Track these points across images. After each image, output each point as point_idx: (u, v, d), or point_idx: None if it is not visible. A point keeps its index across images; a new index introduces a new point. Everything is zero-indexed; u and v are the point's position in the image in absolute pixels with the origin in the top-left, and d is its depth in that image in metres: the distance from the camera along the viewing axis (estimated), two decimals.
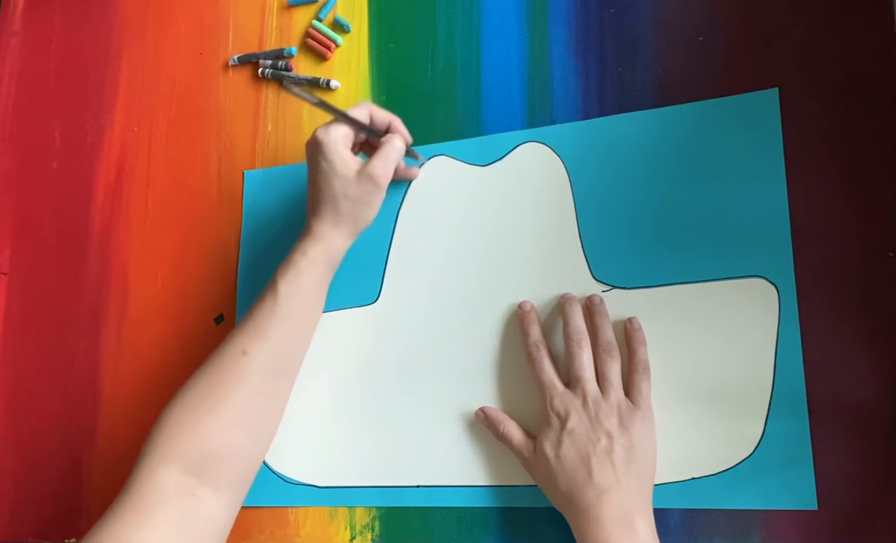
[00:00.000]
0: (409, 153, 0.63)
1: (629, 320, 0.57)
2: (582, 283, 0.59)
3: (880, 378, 0.52)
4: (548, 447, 0.53)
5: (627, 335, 0.57)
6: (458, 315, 0.62)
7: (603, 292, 0.58)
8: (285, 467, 0.64)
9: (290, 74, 0.71)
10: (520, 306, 0.60)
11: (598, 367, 0.55)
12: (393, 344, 0.63)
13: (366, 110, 0.60)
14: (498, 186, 0.63)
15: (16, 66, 0.81)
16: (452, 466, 0.60)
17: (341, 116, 0.58)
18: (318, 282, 0.59)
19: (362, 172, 0.57)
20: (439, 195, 0.64)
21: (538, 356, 0.57)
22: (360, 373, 0.63)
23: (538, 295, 0.60)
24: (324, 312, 0.65)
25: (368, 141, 0.62)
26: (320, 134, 0.58)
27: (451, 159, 0.65)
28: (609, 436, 0.52)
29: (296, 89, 0.55)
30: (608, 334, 0.56)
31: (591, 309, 0.57)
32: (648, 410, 0.54)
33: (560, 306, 0.58)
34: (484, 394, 0.60)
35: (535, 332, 0.58)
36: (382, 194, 0.58)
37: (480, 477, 0.59)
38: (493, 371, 0.60)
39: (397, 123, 0.61)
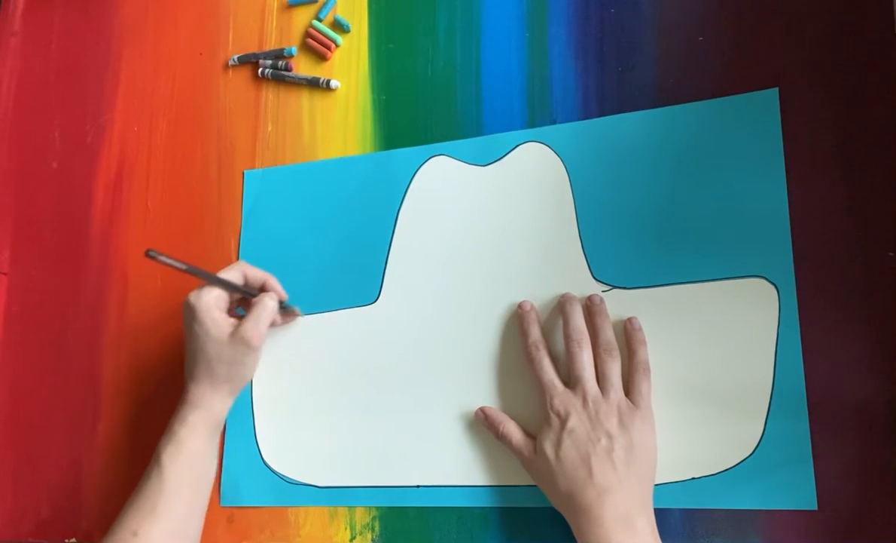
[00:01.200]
0: (285, 309, 0.64)
1: (629, 320, 0.57)
2: (582, 283, 0.59)
3: (880, 379, 0.52)
4: (548, 447, 0.53)
5: (627, 335, 0.57)
6: (458, 315, 0.62)
7: (603, 292, 0.58)
8: (285, 467, 0.64)
9: (290, 73, 0.71)
10: (519, 306, 0.60)
11: (599, 367, 0.55)
12: (393, 344, 0.63)
13: (239, 271, 0.61)
14: (498, 186, 0.63)
15: (16, 67, 0.81)
16: (452, 466, 0.60)
17: (213, 280, 0.59)
18: (202, 448, 0.59)
19: (235, 335, 0.58)
20: (439, 195, 0.64)
21: (538, 355, 0.57)
22: (360, 373, 0.63)
23: (538, 295, 0.60)
24: (324, 312, 0.65)
25: (245, 299, 0.62)
26: (192, 299, 0.58)
27: (451, 159, 0.65)
28: (609, 436, 0.52)
29: (163, 258, 0.56)
30: (608, 334, 0.56)
31: (591, 309, 0.57)
32: (648, 410, 0.54)
33: (560, 306, 0.58)
34: (484, 394, 0.60)
35: (535, 332, 0.58)
36: (257, 355, 0.60)
37: (480, 477, 0.59)
38: (493, 371, 0.60)
39: (272, 281, 0.62)
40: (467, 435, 0.60)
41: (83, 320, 0.73)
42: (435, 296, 0.63)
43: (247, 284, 0.61)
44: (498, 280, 0.61)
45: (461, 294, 0.62)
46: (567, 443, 0.53)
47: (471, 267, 0.62)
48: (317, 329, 0.65)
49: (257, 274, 0.62)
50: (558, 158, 0.62)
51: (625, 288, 0.58)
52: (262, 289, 0.62)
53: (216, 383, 0.59)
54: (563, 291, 0.59)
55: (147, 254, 0.56)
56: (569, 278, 0.59)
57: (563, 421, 0.53)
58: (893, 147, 0.54)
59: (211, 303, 0.58)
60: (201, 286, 0.59)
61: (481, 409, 0.59)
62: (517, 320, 0.60)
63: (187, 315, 0.59)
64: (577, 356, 0.55)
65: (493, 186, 0.63)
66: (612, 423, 0.52)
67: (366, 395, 0.63)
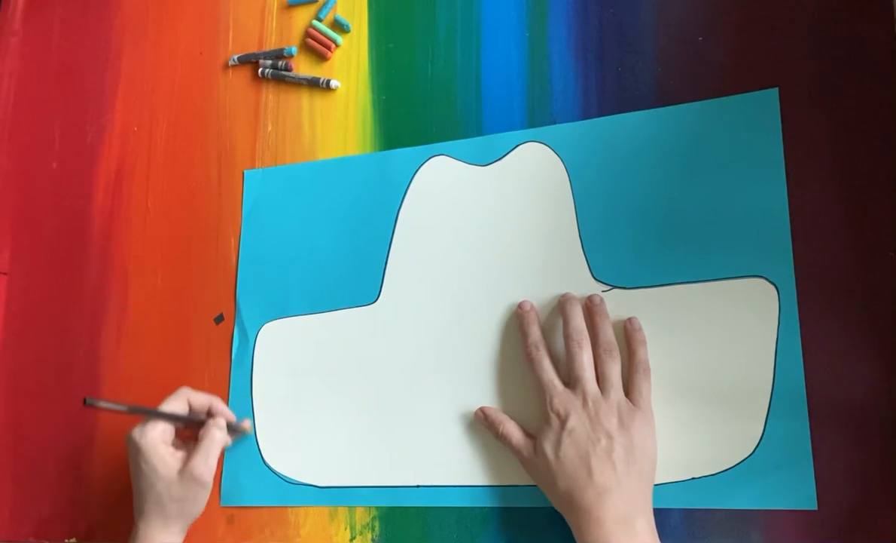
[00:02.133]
0: (233, 429, 0.62)
1: (629, 320, 0.57)
2: (582, 283, 0.59)
3: (880, 378, 0.52)
4: (547, 447, 0.53)
5: (627, 336, 0.56)
6: (458, 315, 0.62)
7: (603, 292, 0.58)
8: (285, 467, 0.64)
9: (290, 73, 0.71)
10: (519, 306, 0.60)
11: (599, 367, 0.55)
12: (393, 344, 0.63)
13: (183, 400, 0.60)
14: (498, 186, 0.63)
15: (16, 67, 0.81)
16: (452, 466, 0.60)
17: (156, 415, 0.59)
18: None
19: (184, 472, 0.57)
20: (439, 195, 0.64)
21: (538, 356, 0.57)
22: (360, 373, 0.63)
23: (538, 295, 0.60)
24: (324, 312, 0.65)
25: (192, 426, 0.61)
26: (137, 436, 0.58)
27: (451, 159, 0.65)
28: (609, 436, 0.52)
29: (102, 403, 0.57)
30: (608, 335, 0.56)
31: (591, 309, 0.57)
32: (648, 410, 0.54)
33: (560, 306, 0.58)
34: (484, 394, 0.60)
35: (535, 332, 0.58)
36: (208, 490, 0.59)
37: (480, 477, 0.59)
38: (493, 371, 0.60)
39: (218, 405, 0.62)
40: (467, 435, 0.60)
41: (83, 320, 0.73)
42: (435, 296, 0.63)
43: (192, 411, 0.61)
44: (498, 280, 0.61)
45: (461, 294, 0.62)
46: (567, 443, 0.52)
47: (471, 267, 0.62)
48: (317, 329, 0.65)
49: (202, 399, 0.61)
50: (558, 158, 0.62)
51: (625, 288, 0.58)
52: (209, 413, 0.61)
53: (168, 520, 0.58)
54: (563, 291, 0.59)
55: (85, 403, 0.56)
56: (569, 278, 0.59)
57: (563, 421, 0.53)
58: (893, 147, 0.54)
59: (156, 439, 0.58)
60: (145, 421, 0.59)
61: (481, 409, 0.59)
62: (517, 320, 0.60)
63: (132, 453, 0.58)
64: (576, 356, 0.55)
65: (493, 186, 0.63)
66: (611, 423, 0.52)
67: (366, 395, 0.63)
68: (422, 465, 0.60)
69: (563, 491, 0.52)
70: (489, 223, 0.62)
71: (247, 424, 0.64)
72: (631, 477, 0.51)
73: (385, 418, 0.62)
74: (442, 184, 0.65)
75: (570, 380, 0.55)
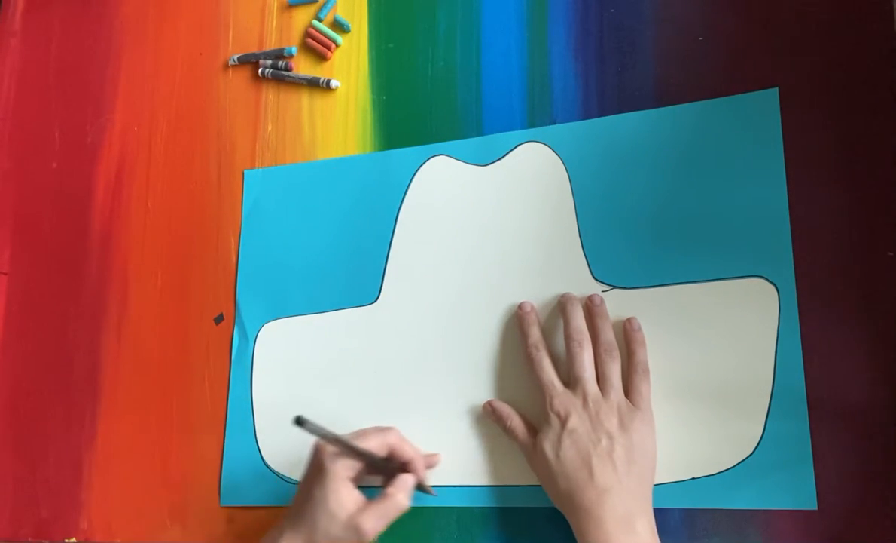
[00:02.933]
0: (420, 489, 0.58)
1: (629, 320, 0.57)
2: (582, 283, 0.59)
3: (880, 378, 0.52)
4: (548, 448, 0.53)
5: (627, 336, 0.56)
6: (458, 315, 0.62)
7: (603, 292, 0.58)
8: (285, 467, 0.64)
9: (290, 73, 0.71)
10: (519, 307, 0.60)
11: (599, 367, 0.55)
12: (392, 344, 0.63)
13: (383, 442, 0.56)
14: (498, 186, 0.63)
15: (16, 67, 0.81)
16: (452, 466, 0.60)
17: (351, 451, 0.54)
18: None
19: (353, 519, 0.53)
20: (439, 195, 0.64)
21: (538, 356, 0.57)
22: (359, 373, 0.63)
23: (538, 295, 0.60)
24: (324, 312, 0.65)
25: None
26: (327, 462, 0.54)
27: (451, 159, 0.65)
28: (609, 437, 0.52)
29: (311, 425, 0.51)
30: (608, 335, 0.56)
31: (591, 309, 0.57)
32: (648, 410, 0.54)
33: (560, 306, 0.58)
34: (484, 394, 0.60)
35: (535, 333, 0.58)
36: None
37: (480, 477, 0.59)
38: (493, 372, 0.60)
39: (418, 463, 0.57)
40: (467, 435, 0.60)
41: (83, 320, 0.73)
42: (435, 296, 0.63)
43: (392, 455, 0.57)
44: (498, 280, 0.61)
45: (461, 294, 0.62)
46: (567, 443, 0.52)
47: (471, 267, 0.62)
48: (317, 329, 0.65)
49: (407, 451, 0.57)
50: (558, 158, 0.62)
51: (625, 288, 0.58)
52: (404, 468, 0.57)
53: None
54: (563, 291, 0.59)
55: (297, 421, 0.51)
56: (569, 278, 0.59)
57: (564, 422, 0.53)
58: (893, 147, 0.54)
59: (342, 474, 0.54)
60: (339, 451, 0.55)
61: (489, 402, 0.59)
62: (517, 320, 0.60)
63: (314, 472, 0.55)
64: (577, 356, 0.55)
65: (493, 186, 0.63)
66: (612, 424, 0.52)
67: (365, 395, 0.63)
68: None
69: (564, 491, 0.52)
70: (489, 223, 0.62)
71: (432, 490, 0.59)
72: (631, 477, 0.51)
73: (385, 418, 0.62)
74: (442, 184, 0.65)
75: (571, 380, 0.55)
